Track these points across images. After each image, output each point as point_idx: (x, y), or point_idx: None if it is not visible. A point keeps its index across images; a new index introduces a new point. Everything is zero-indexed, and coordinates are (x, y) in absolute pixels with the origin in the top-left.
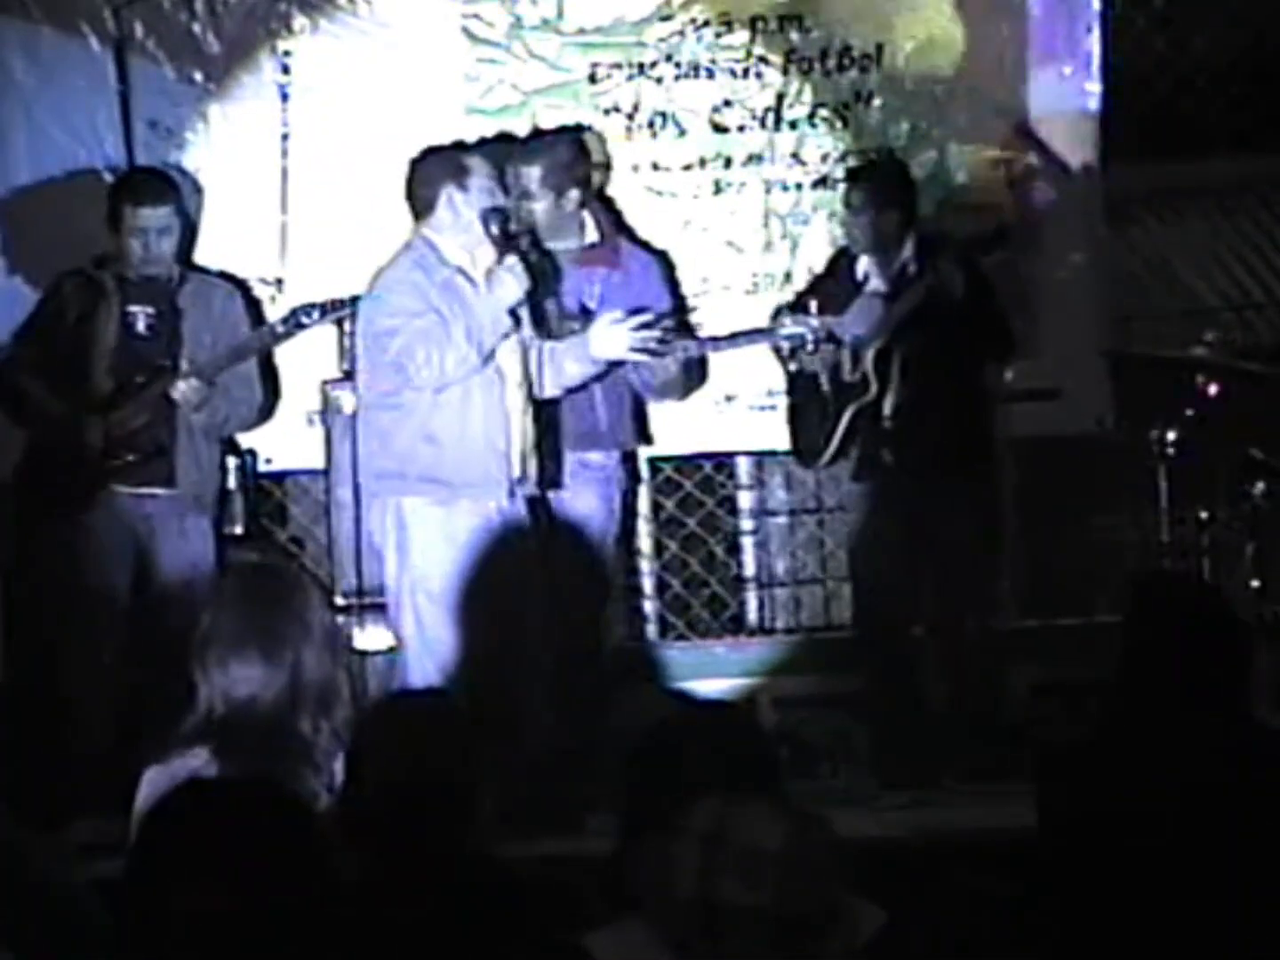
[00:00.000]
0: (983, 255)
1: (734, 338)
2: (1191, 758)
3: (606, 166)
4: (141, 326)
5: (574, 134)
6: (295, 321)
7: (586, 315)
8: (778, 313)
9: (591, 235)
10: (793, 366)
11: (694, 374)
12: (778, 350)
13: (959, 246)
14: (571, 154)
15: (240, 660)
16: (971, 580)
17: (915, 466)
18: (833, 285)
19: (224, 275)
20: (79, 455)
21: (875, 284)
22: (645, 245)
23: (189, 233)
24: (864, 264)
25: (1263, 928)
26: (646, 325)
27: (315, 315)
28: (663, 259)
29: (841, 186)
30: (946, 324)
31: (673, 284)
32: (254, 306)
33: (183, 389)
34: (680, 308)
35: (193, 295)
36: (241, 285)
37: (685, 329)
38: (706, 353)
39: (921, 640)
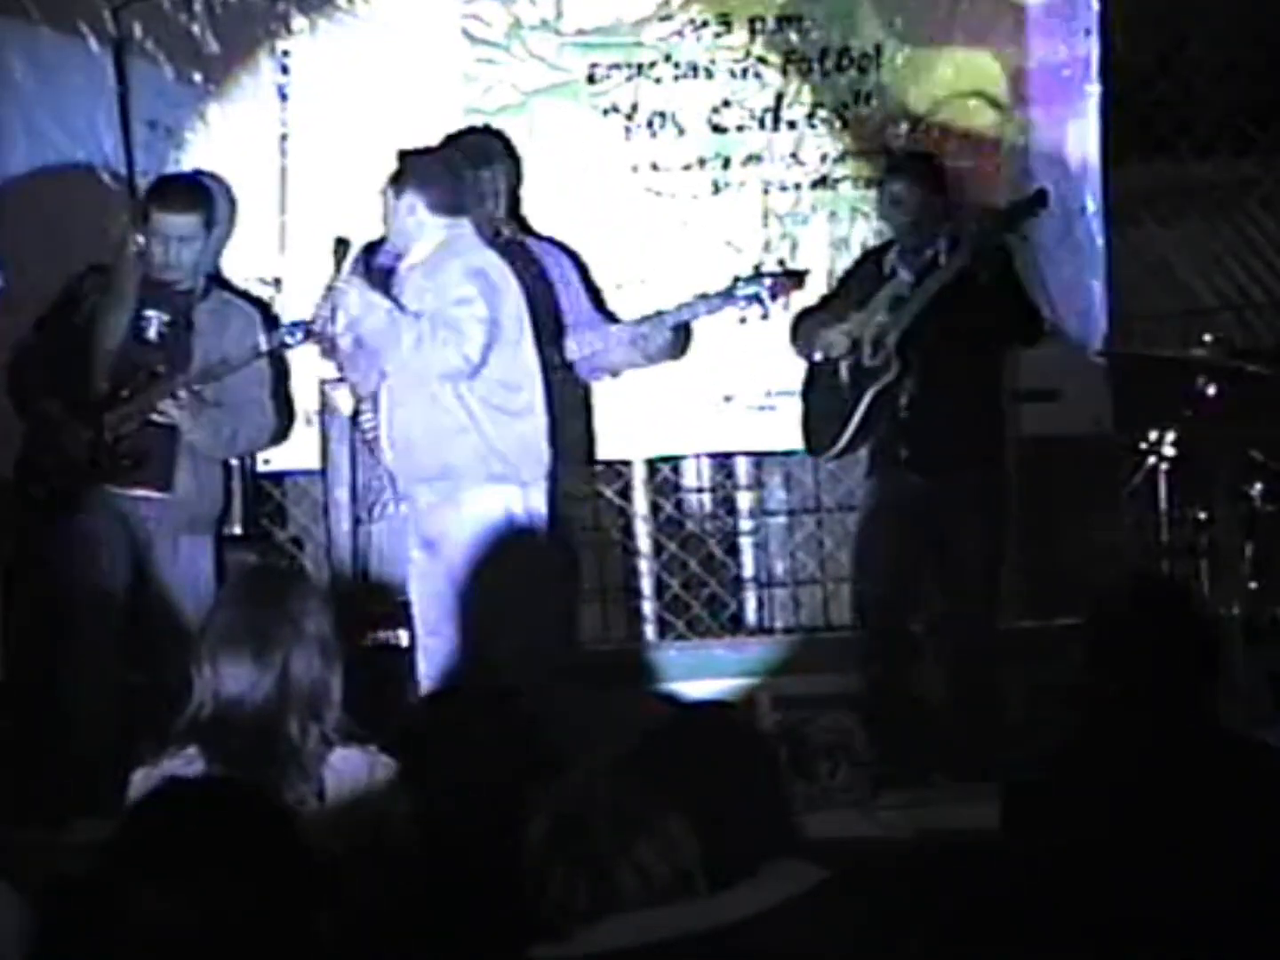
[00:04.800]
0: (1014, 227)
1: (694, 304)
2: (1156, 764)
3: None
4: (152, 332)
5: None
6: (279, 341)
7: None
8: (736, 278)
9: (505, 234)
10: (814, 355)
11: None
12: (796, 335)
13: (988, 223)
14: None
15: (230, 659)
16: (979, 579)
17: (931, 460)
18: (861, 279)
19: (247, 297)
20: (70, 455)
21: (904, 275)
22: (547, 239)
23: (217, 245)
24: (892, 256)
25: (1228, 932)
26: None
27: (299, 335)
28: (564, 248)
29: (844, 185)
30: (973, 310)
31: (581, 267)
32: (271, 327)
33: (168, 406)
34: (592, 290)
35: (210, 312)
36: (262, 308)
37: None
38: (682, 321)
39: (922, 638)
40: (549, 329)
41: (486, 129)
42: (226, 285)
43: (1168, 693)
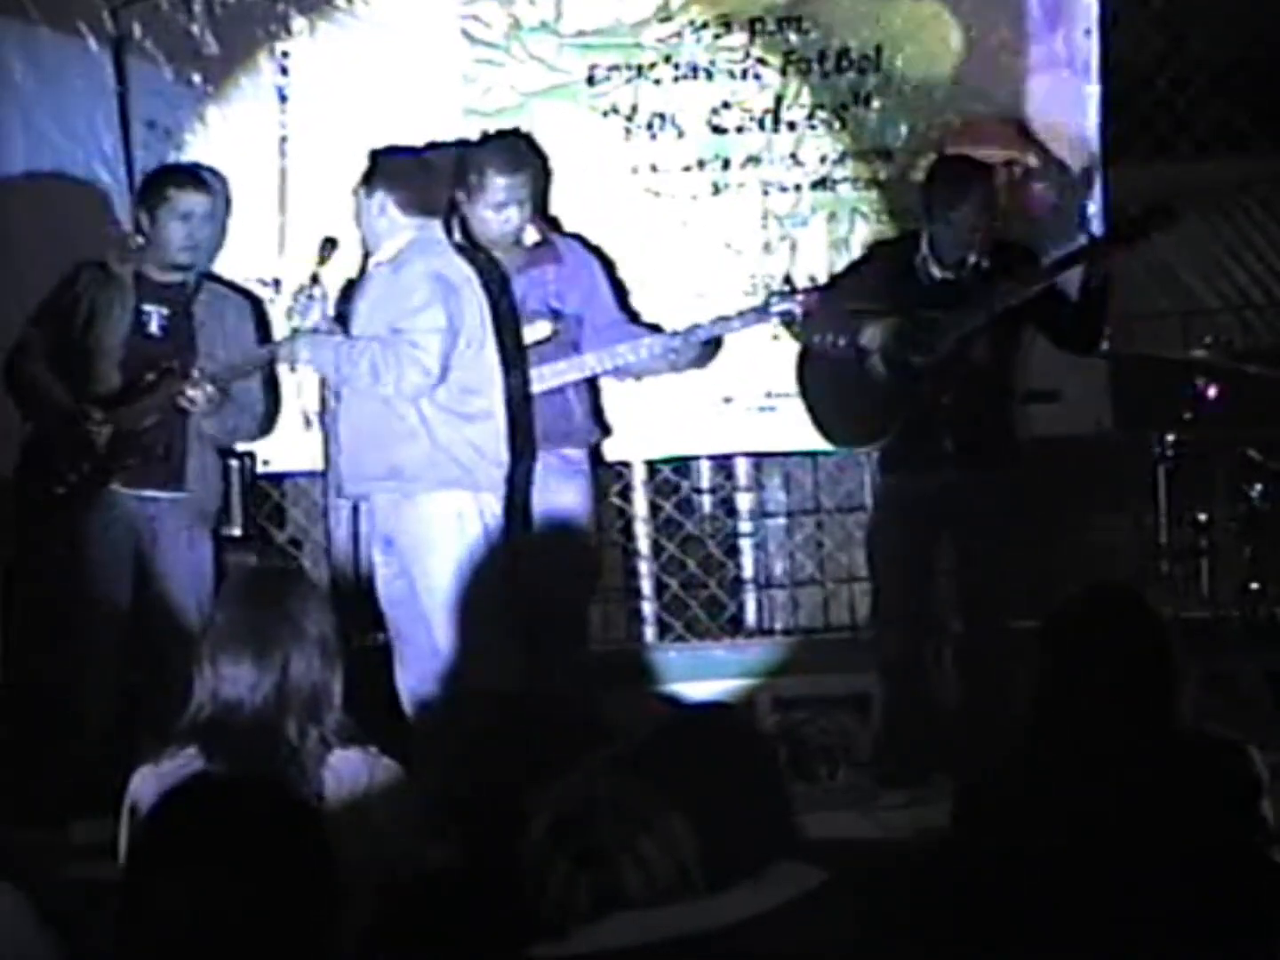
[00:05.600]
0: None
1: (728, 319)
2: (1115, 767)
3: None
4: (154, 326)
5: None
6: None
7: (553, 313)
8: (770, 294)
9: (533, 236)
10: (839, 341)
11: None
12: (803, 328)
13: (1116, 231)
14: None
15: (230, 660)
16: (1001, 578)
17: (973, 456)
18: (879, 274)
19: (237, 288)
20: (81, 450)
21: (938, 273)
22: (574, 236)
23: (215, 242)
24: (924, 253)
25: (1187, 931)
26: None
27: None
28: (590, 246)
29: (843, 187)
30: (1055, 315)
31: (608, 266)
32: (263, 321)
33: (196, 395)
34: (619, 287)
35: (207, 304)
36: (254, 299)
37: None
38: (715, 335)
39: (933, 637)
40: (575, 329)
41: (515, 133)
42: (217, 279)
43: (1119, 695)
